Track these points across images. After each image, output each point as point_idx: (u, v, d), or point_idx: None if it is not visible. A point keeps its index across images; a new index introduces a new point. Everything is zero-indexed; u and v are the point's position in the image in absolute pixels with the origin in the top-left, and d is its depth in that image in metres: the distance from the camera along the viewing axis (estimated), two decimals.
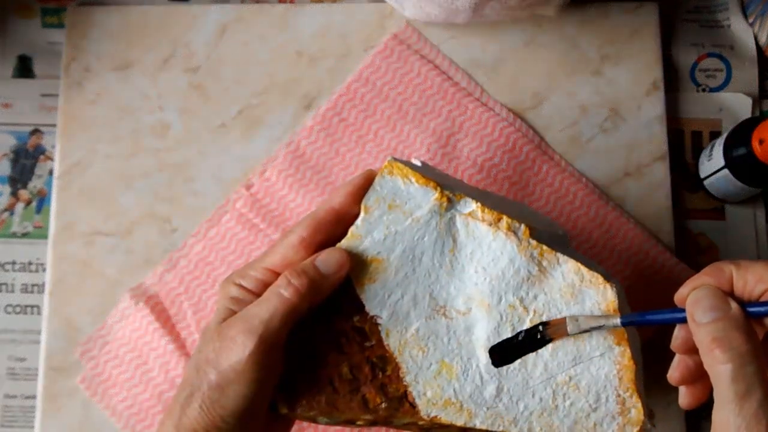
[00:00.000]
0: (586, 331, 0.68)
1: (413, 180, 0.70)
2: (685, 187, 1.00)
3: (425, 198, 0.70)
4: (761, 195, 0.98)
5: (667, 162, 0.98)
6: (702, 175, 0.97)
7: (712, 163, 0.93)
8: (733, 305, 0.63)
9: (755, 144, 0.85)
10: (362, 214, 0.70)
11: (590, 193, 0.96)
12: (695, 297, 0.64)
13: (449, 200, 0.70)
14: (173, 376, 0.93)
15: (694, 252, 0.98)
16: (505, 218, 0.70)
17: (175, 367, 0.92)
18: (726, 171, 0.91)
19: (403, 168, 0.71)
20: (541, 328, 0.69)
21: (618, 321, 0.67)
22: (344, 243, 0.71)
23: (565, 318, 0.69)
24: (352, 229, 0.71)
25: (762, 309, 0.62)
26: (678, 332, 0.69)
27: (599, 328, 0.68)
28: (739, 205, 0.99)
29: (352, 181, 0.71)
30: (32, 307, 0.99)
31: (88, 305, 0.96)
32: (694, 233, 0.99)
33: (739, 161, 0.89)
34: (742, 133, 0.89)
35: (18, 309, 0.99)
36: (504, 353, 0.70)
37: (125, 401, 0.93)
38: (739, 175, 0.90)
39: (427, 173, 0.72)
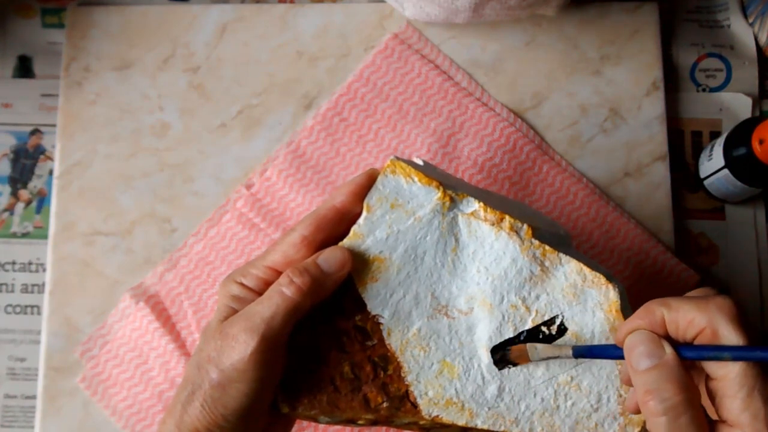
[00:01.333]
0: (544, 359, 0.68)
1: (416, 179, 0.70)
2: (685, 187, 1.00)
3: (428, 197, 0.70)
4: (761, 195, 0.98)
5: (667, 162, 0.98)
6: (702, 175, 0.97)
7: (712, 163, 0.94)
8: (668, 350, 0.62)
9: (755, 144, 0.85)
10: (364, 213, 0.70)
11: (591, 194, 0.96)
12: (630, 343, 0.63)
13: (452, 200, 0.70)
14: (173, 376, 0.93)
15: (694, 252, 0.98)
16: (507, 218, 0.70)
17: (175, 367, 0.92)
18: (726, 171, 0.91)
19: (406, 167, 0.71)
20: (506, 350, 0.70)
21: (570, 352, 0.67)
22: (346, 242, 0.70)
23: (525, 345, 0.69)
24: (354, 228, 0.70)
25: (695, 354, 0.61)
26: (624, 368, 0.68)
27: (555, 357, 0.68)
28: (739, 205, 0.99)
29: (355, 180, 0.71)
30: (32, 307, 0.99)
31: (88, 305, 0.96)
32: (694, 233, 0.99)
33: (739, 161, 0.89)
34: (742, 133, 0.89)
35: (18, 309, 0.99)
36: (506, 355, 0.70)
37: (125, 401, 0.93)
38: (739, 175, 0.90)
39: (430, 172, 0.72)
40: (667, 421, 0.59)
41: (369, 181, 0.71)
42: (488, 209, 0.70)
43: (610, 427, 0.69)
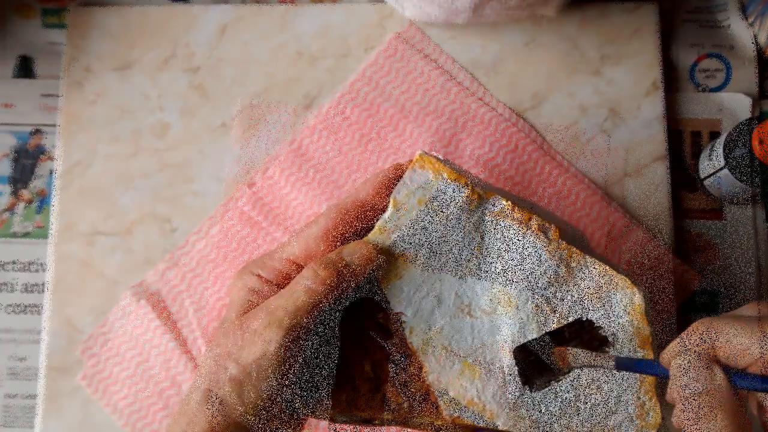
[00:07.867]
0: (583, 366, 0.68)
1: (445, 175, 0.70)
2: (685, 187, 1.00)
3: (456, 194, 0.69)
4: (761, 195, 0.99)
5: (667, 162, 0.98)
6: (702, 175, 0.97)
7: (712, 163, 0.94)
8: (719, 376, 0.60)
9: (755, 144, 0.86)
10: (391, 208, 0.69)
11: (592, 194, 0.96)
12: (679, 365, 0.61)
13: (480, 197, 0.70)
14: (174, 374, 0.93)
15: (693, 252, 0.99)
16: (534, 218, 0.70)
17: (176, 365, 0.93)
18: (726, 171, 0.91)
19: (435, 162, 0.70)
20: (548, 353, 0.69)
21: (612, 363, 0.67)
22: (371, 237, 0.69)
23: (567, 348, 0.68)
24: (379, 224, 0.69)
25: (747, 383, 0.59)
26: (668, 386, 0.65)
27: (594, 366, 0.68)
28: (738, 205, 0.99)
29: (382, 173, 0.70)
30: (33, 306, 0.98)
31: (88, 305, 0.96)
32: (693, 233, 0.99)
33: (739, 161, 0.90)
34: (742, 133, 0.89)
35: (19, 309, 0.98)
36: (532, 375, 0.70)
37: (126, 398, 0.93)
38: (739, 175, 0.90)
39: (455, 169, 0.71)
40: None
41: (396, 176, 0.70)
42: (516, 208, 0.70)
43: (627, 429, 0.69)
